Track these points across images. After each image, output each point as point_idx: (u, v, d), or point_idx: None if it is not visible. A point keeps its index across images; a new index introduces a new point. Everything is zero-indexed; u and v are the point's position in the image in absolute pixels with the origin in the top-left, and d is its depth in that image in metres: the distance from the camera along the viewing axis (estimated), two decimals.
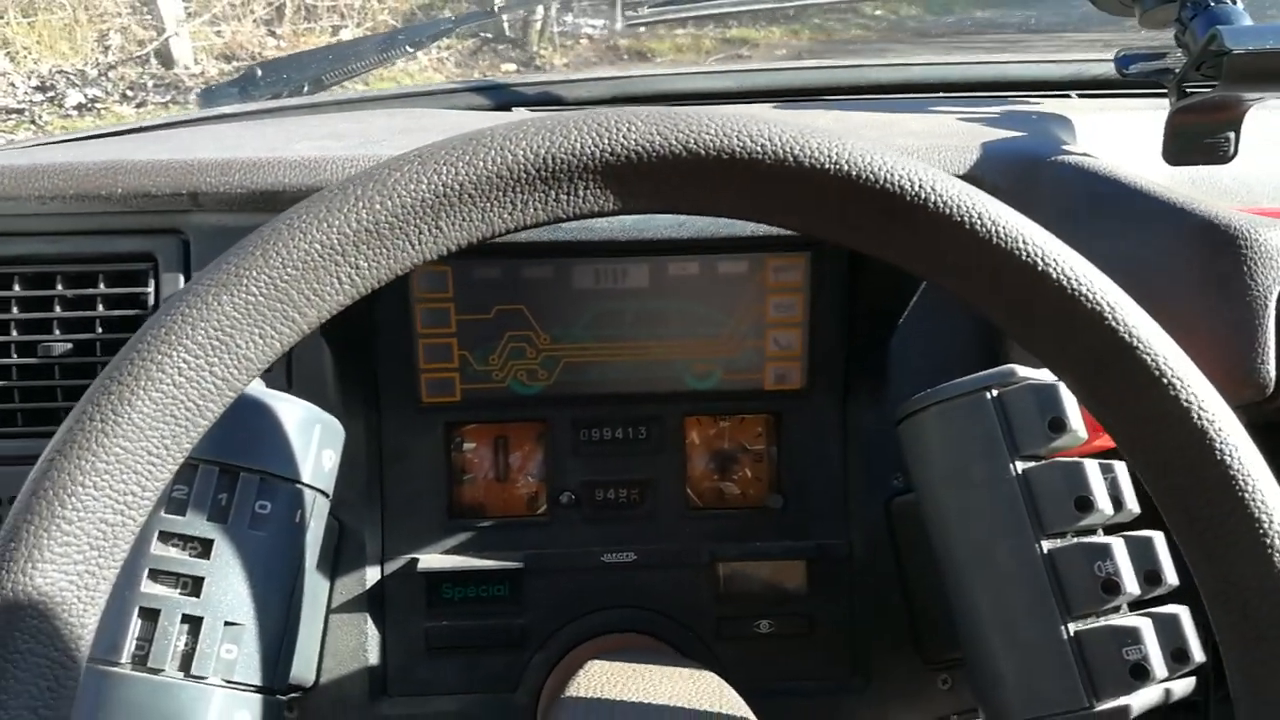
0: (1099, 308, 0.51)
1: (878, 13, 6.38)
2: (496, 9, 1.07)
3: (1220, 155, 0.88)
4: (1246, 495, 0.51)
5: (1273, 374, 0.78)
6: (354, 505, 0.90)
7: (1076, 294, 0.51)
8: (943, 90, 1.16)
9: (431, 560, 0.92)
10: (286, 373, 0.89)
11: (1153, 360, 0.51)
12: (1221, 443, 0.51)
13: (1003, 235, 0.51)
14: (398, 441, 0.93)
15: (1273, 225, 0.79)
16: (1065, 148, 0.92)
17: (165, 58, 5.44)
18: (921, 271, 0.54)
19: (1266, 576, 0.51)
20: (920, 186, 0.50)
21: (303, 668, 0.84)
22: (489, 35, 5.88)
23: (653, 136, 0.50)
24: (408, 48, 1.16)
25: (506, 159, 0.49)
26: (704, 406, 0.95)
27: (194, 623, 0.66)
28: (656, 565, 0.93)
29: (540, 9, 5.44)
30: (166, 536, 0.68)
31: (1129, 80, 0.99)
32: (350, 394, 0.90)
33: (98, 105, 5.06)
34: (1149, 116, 0.95)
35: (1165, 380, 0.51)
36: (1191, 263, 0.80)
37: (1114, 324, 0.51)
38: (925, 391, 0.79)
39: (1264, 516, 0.51)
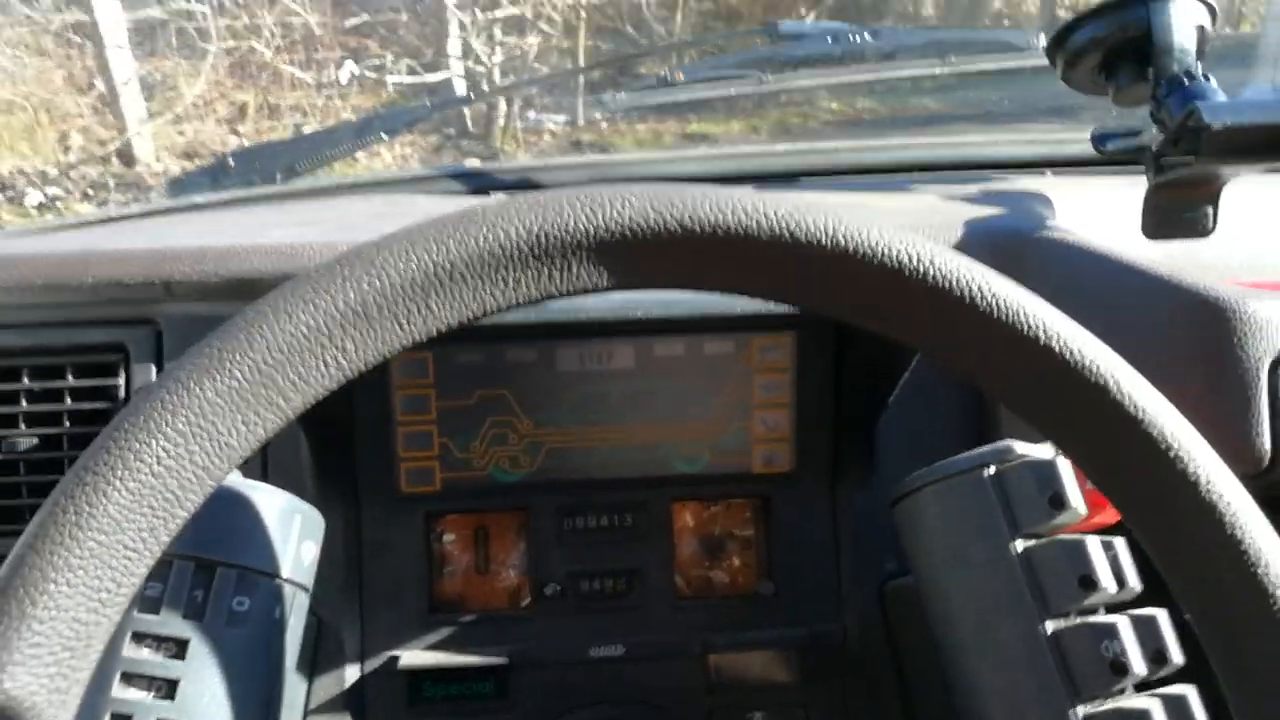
0: (1103, 380, 0.50)
1: (834, 106, 6.51)
2: (471, 96, 1.06)
3: (1199, 229, 0.88)
4: (1259, 570, 0.49)
5: (1268, 446, 0.77)
6: (332, 600, 0.87)
7: (1080, 367, 0.50)
8: (919, 170, 1.16)
9: (413, 657, 0.89)
10: (262, 463, 0.86)
11: (1159, 433, 0.50)
12: (1232, 516, 0.50)
13: (1004, 309, 0.50)
14: (376, 533, 0.90)
15: (1259, 296, 0.79)
16: (1047, 224, 0.92)
17: (127, 156, 5.45)
18: (922, 347, 0.53)
19: None
20: (920, 261, 0.49)
21: None
22: (452, 131, 5.95)
23: (648, 212, 0.48)
24: (383, 134, 1.15)
25: (499, 236, 0.47)
26: (691, 491, 0.93)
27: None
28: (646, 658, 0.90)
29: (504, 104, 5.51)
30: (140, 637, 0.64)
31: (1104, 158, 1.00)
32: (328, 484, 0.88)
33: (58, 203, 5.04)
34: (1126, 193, 0.96)
35: (1173, 454, 0.50)
36: (1182, 336, 0.80)
37: (1119, 397, 0.50)
38: (920, 471, 0.77)
39: (1277, 592, 0.49)
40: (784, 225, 0.49)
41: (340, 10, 6.34)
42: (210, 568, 0.66)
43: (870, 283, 0.50)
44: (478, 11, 5.74)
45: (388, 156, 5.63)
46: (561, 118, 6.23)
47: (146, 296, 0.85)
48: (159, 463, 0.44)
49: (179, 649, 0.64)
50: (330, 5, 6.21)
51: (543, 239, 0.48)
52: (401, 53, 6.13)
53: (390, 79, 5.83)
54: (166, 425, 0.44)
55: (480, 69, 5.61)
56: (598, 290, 0.50)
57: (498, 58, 5.72)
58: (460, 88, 5.54)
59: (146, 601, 0.64)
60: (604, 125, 6.27)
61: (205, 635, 0.65)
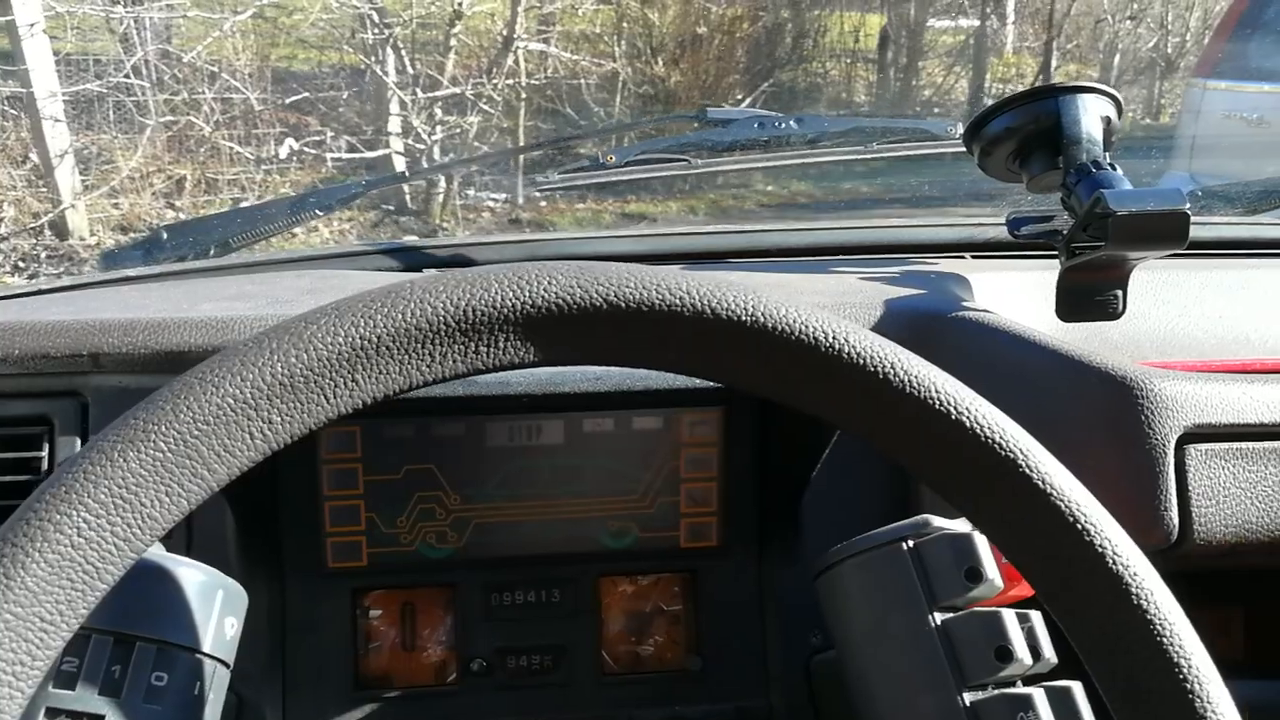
0: (1012, 455, 0.52)
1: (769, 189, 6.62)
2: (407, 174, 1.08)
3: (1110, 312, 0.91)
4: (1165, 641, 0.51)
5: (1176, 521, 0.80)
6: (254, 677, 0.86)
7: (990, 442, 0.52)
8: (843, 253, 1.19)
9: None
10: (187, 537, 0.85)
11: (1066, 507, 0.52)
12: (1138, 589, 0.51)
13: (916, 385, 0.52)
14: (301, 609, 0.89)
15: (1166, 376, 0.82)
16: (964, 304, 0.95)
17: (60, 229, 5.38)
18: (839, 422, 0.54)
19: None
20: (835, 338, 0.51)
21: None
22: (391, 207, 5.96)
23: (573, 289, 0.50)
24: (317, 210, 1.16)
25: (425, 311, 0.48)
26: (619, 566, 0.94)
27: None
28: None
29: (443, 182, 5.54)
30: (54, 713, 0.63)
31: (1020, 242, 1.04)
32: (253, 559, 0.87)
33: None
34: (1041, 276, 0.99)
35: (1080, 527, 0.52)
36: (1091, 414, 0.82)
37: (1027, 472, 0.52)
38: (841, 544, 0.78)
39: (1183, 662, 0.51)
40: (706, 303, 0.51)
41: (280, 86, 6.36)
42: (129, 642, 0.65)
43: (788, 360, 0.52)
44: (418, 90, 5.78)
45: (325, 232, 5.62)
46: (501, 196, 6.26)
47: (73, 369, 0.85)
48: (79, 534, 0.44)
49: None
50: (270, 81, 6.23)
51: (469, 314, 0.49)
52: (341, 129, 6.15)
53: (330, 155, 5.84)
54: (88, 496, 0.44)
55: (420, 147, 5.64)
56: (524, 366, 0.51)
57: (437, 136, 5.76)
58: (400, 165, 5.56)
59: (62, 676, 0.63)
60: (543, 204, 6.32)
61: (122, 711, 0.64)
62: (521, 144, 5.13)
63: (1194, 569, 0.83)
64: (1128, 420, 0.79)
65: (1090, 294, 0.91)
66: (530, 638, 0.92)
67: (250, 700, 0.86)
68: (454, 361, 0.50)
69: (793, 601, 0.92)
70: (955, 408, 0.52)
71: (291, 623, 0.89)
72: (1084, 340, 0.93)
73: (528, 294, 0.49)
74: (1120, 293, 0.91)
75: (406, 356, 0.49)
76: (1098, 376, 0.82)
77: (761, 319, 0.51)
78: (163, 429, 0.46)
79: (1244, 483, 0.81)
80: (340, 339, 0.47)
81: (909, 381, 0.52)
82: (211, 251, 1.16)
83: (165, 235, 1.16)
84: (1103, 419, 0.81)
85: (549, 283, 0.50)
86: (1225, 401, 0.81)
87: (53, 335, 0.85)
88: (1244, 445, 0.81)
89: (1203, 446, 0.80)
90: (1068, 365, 0.84)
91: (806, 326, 0.51)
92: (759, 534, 0.94)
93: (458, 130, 5.90)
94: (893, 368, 0.52)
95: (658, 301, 0.50)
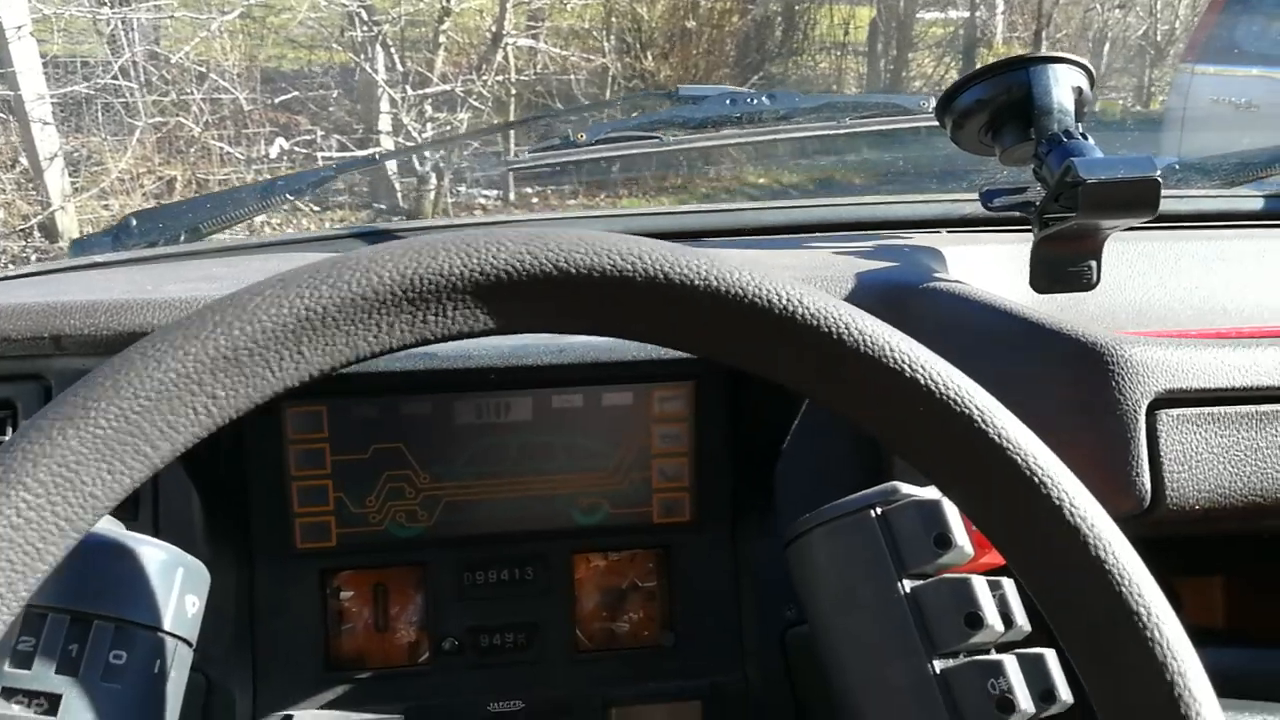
0: (968, 411, 0.51)
1: (761, 181, 6.62)
2: (378, 157, 1.07)
3: (1084, 283, 0.91)
4: (1128, 596, 0.51)
5: (1149, 486, 0.79)
6: (222, 659, 0.85)
7: (946, 398, 0.51)
8: (819, 230, 1.19)
9: (306, 717, 0.87)
10: (153, 519, 0.85)
11: (1024, 460, 0.51)
12: (1096, 539, 0.51)
13: (871, 344, 0.51)
14: (270, 591, 0.89)
15: (1137, 342, 0.81)
16: (937, 276, 0.95)
17: (50, 231, 5.37)
18: (796, 386, 0.53)
19: (1156, 688, 0.50)
20: (789, 300, 0.51)
21: None
22: (383, 206, 5.95)
23: (523, 255, 0.49)
24: (287, 194, 1.16)
25: (371, 280, 0.48)
26: (591, 543, 0.93)
27: None
28: (546, 713, 0.90)
29: (434, 178, 5.53)
30: (10, 693, 0.63)
31: (996, 215, 1.03)
32: (220, 541, 0.86)
33: None
34: (1016, 249, 0.99)
35: (1037, 480, 0.51)
36: (1063, 381, 0.82)
37: (983, 426, 0.51)
38: (810, 513, 0.78)
39: (1152, 627, 0.50)
40: (658, 267, 0.50)
41: (270, 86, 6.34)
42: (86, 621, 0.64)
43: (742, 322, 0.51)
44: (408, 88, 5.78)
45: (314, 229, 5.61)
46: (493, 192, 6.25)
47: (35, 351, 0.84)
48: (19, 514, 0.43)
49: (51, 705, 0.63)
50: (259, 81, 6.22)
51: (417, 283, 0.48)
52: (332, 128, 6.14)
53: (320, 155, 5.83)
54: (27, 475, 0.43)
55: (410, 144, 5.63)
56: (475, 335, 0.50)
57: (428, 133, 5.75)
58: (390, 164, 5.55)
59: (18, 656, 0.63)
60: (534, 200, 6.31)
61: (80, 690, 0.63)
62: (513, 141, 5.10)
63: (1168, 535, 0.83)
64: (1099, 386, 0.79)
65: (1063, 264, 0.91)
66: (503, 616, 0.91)
67: (219, 682, 0.85)
68: (401, 331, 0.49)
69: (767, 575, 0.92)
70: (910, 365, 0.51)
71: (260, 604, 0.88)
72: (1059, 311, 0.92)
73: (476, 261, 0.49)
74: (1094, 263, 0.91)
75: (353, 327, 0.48)
76: (1068, 343, 0.81)
77: (714, 282, 0.50)
78: (103, 406, 0.45)
79: (1216, 448, 0.80)
80: (285, 310, 0.47)
81: (863, 340, 0.51)
82: (182, 237, 1.16)
83: (135, 222, 1.15)
84: (1074, 385, 0.80)
85: (498, 249, 0.49)
86: (1197, 366, 0.80)
87: (14, 318, 0.84)
88: (1216, 410, 0.80)
89: (1174, 412, 0.80)
90: (1038, 332, 0.83)
91: (760, 288, 0.50)
92: (732, 508, 0.93)
93: (448, 127, 5.88)
94: (847, 327, 0.51)
95: (609, 267, 0.49)
